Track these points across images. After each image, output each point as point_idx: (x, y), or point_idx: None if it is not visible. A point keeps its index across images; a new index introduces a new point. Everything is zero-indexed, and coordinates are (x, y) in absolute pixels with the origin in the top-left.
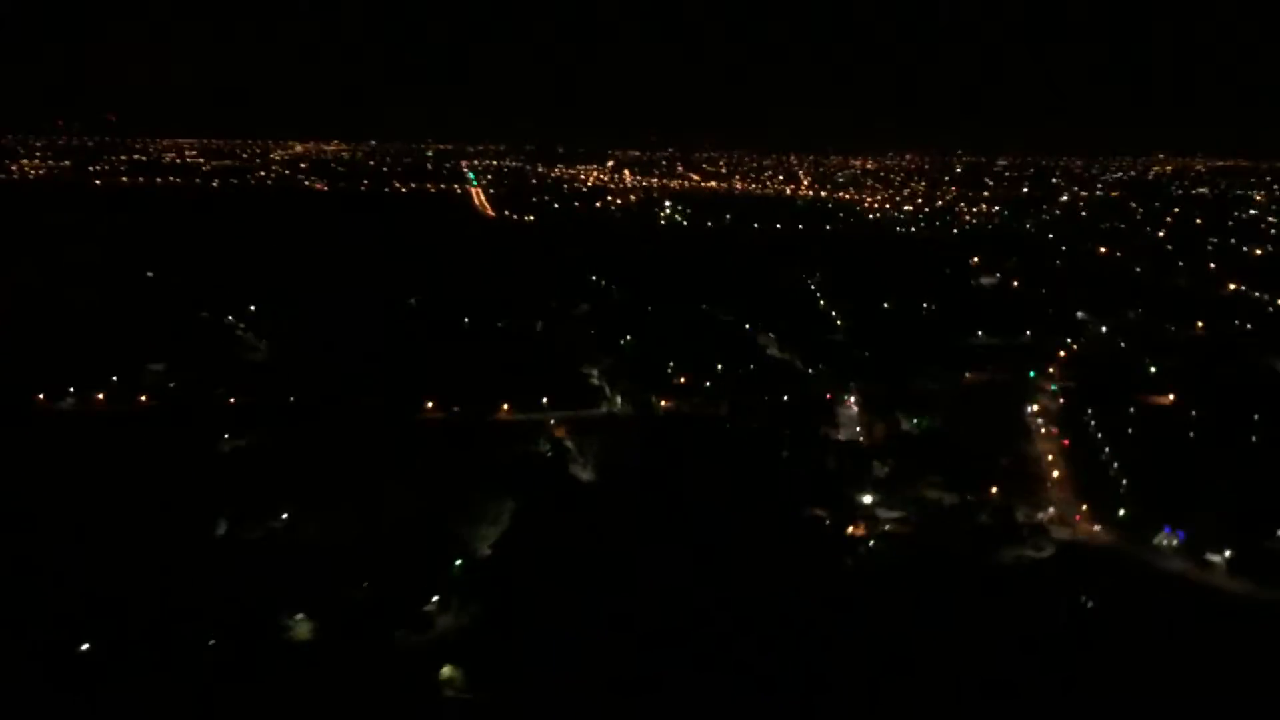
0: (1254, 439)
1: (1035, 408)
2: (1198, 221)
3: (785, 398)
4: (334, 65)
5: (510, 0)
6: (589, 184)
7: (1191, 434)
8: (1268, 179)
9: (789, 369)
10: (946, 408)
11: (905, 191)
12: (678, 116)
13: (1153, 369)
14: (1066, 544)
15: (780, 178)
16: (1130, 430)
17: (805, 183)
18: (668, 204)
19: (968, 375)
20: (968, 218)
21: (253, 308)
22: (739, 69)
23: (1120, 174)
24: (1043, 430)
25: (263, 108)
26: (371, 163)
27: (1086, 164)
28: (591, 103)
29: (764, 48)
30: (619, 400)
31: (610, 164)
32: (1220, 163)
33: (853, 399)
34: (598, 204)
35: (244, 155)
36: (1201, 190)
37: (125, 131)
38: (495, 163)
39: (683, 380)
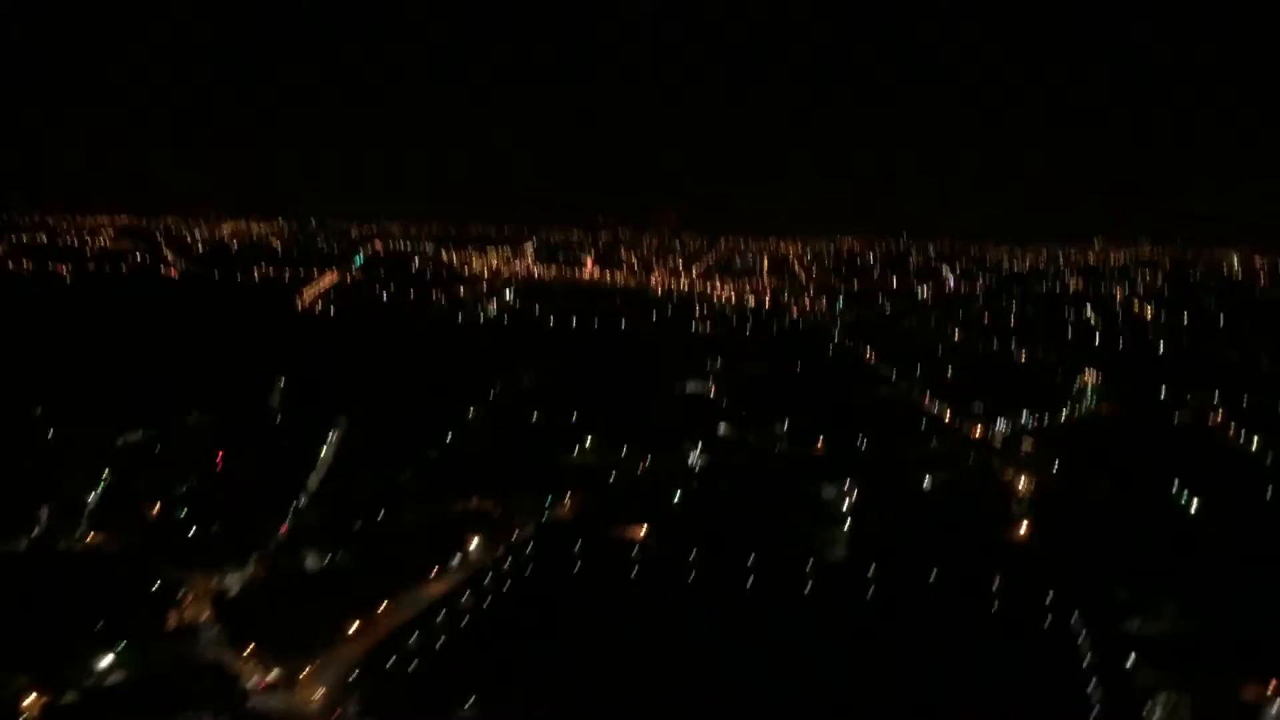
0: None
1: None
2: None
3: None
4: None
5: (451, 57)
6: (468, 272)
7: None
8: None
9: None
10: None
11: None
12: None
13: None
14: None
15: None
16: None
17: (691, 270)
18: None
19: None
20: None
21: None
22: (710, 142)
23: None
24: None
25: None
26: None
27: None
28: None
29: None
30: None
31: (529, 248)
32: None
33: None
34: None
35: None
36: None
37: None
38: (404, 243)
39: None
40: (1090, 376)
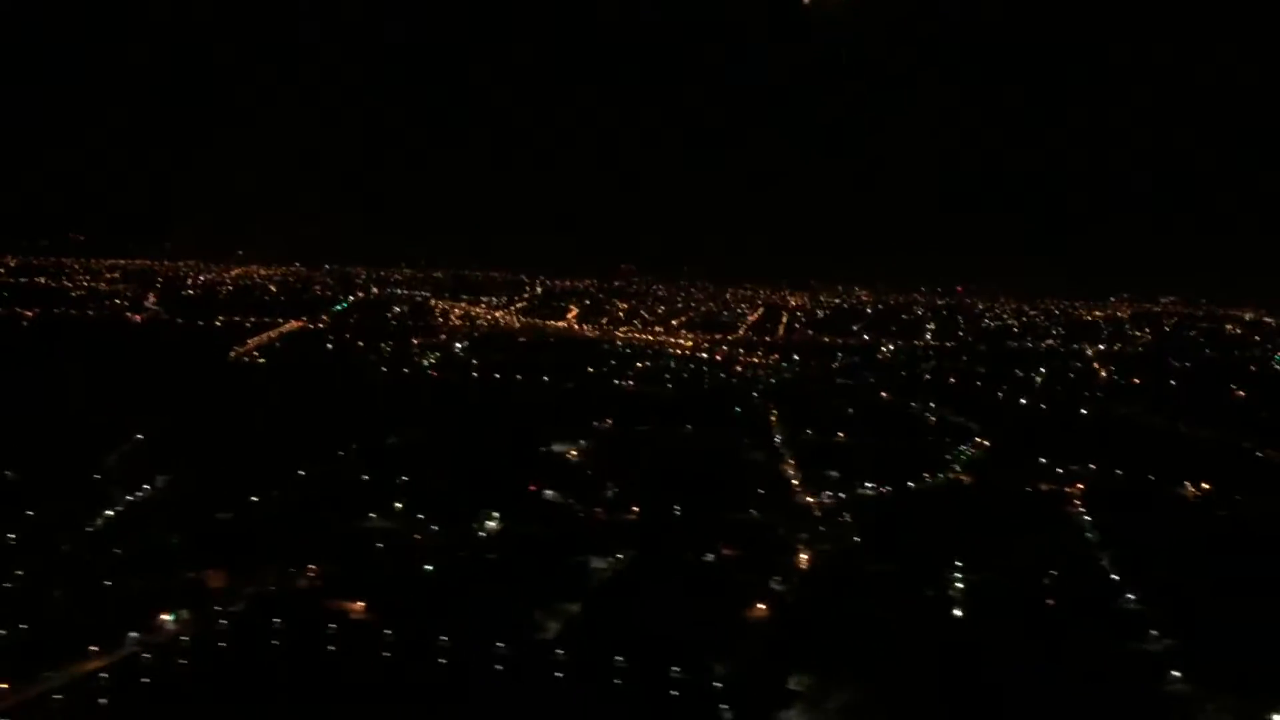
0: None
1: None
2: None
3: None
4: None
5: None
6: (441, 321)
7: None
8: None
9: None
10: None
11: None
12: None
13: None
14: None
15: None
16: None
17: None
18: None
19: None
20: None
21: None
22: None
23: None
24: None
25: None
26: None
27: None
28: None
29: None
30: None
31: (524, 297)
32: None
33: None
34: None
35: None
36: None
37: None
38: (402, 291)
39: None
40: (984, 443)
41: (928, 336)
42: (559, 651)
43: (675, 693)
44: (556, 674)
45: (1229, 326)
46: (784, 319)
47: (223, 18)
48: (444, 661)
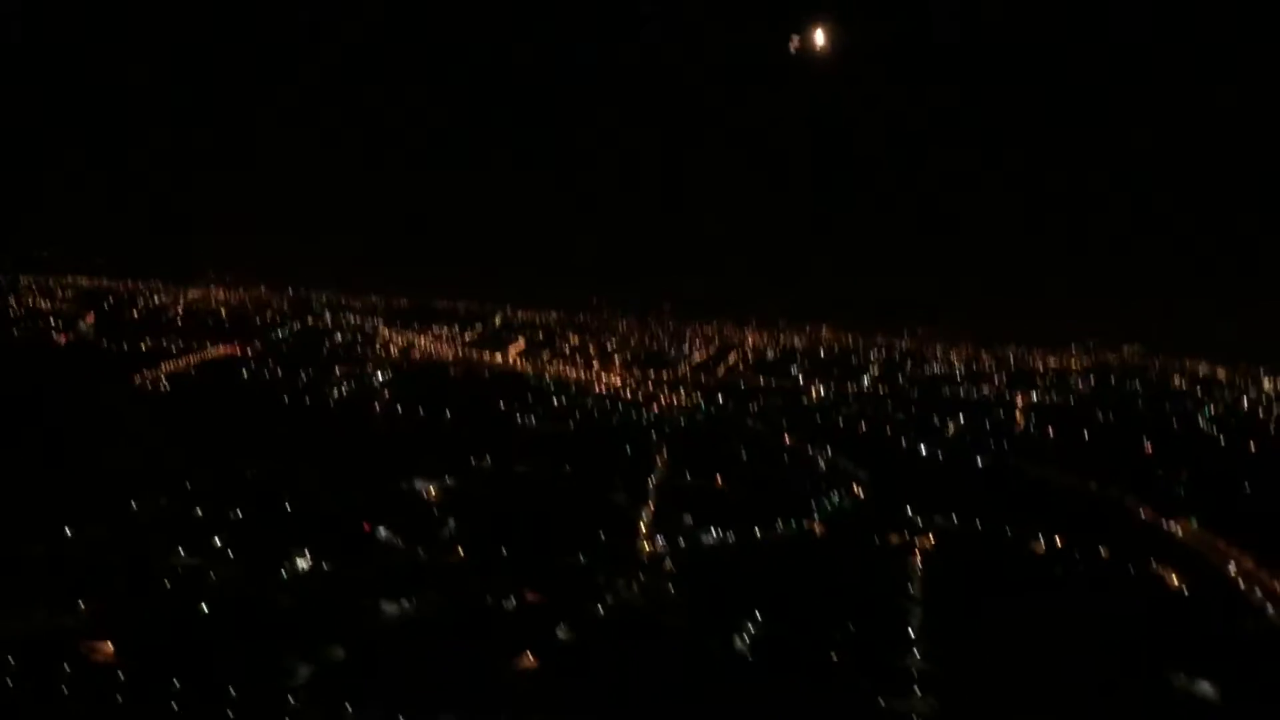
0: None
1: None
2: None
3: None
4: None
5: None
6: (378, 352)
7: None
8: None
9: None
10: None
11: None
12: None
13: None
14: None
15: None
16: None
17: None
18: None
19: None
20: None
21: None
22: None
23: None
24: None
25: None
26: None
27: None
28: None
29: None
30: None
31: (477, 328)
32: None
33: None
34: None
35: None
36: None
37: None
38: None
39: None
40: (859, 492)
41: (864, 380)
42: (291, 700)
43: None
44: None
45: (1176, 379)
46: (731, 358)
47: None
48: (174, 707)
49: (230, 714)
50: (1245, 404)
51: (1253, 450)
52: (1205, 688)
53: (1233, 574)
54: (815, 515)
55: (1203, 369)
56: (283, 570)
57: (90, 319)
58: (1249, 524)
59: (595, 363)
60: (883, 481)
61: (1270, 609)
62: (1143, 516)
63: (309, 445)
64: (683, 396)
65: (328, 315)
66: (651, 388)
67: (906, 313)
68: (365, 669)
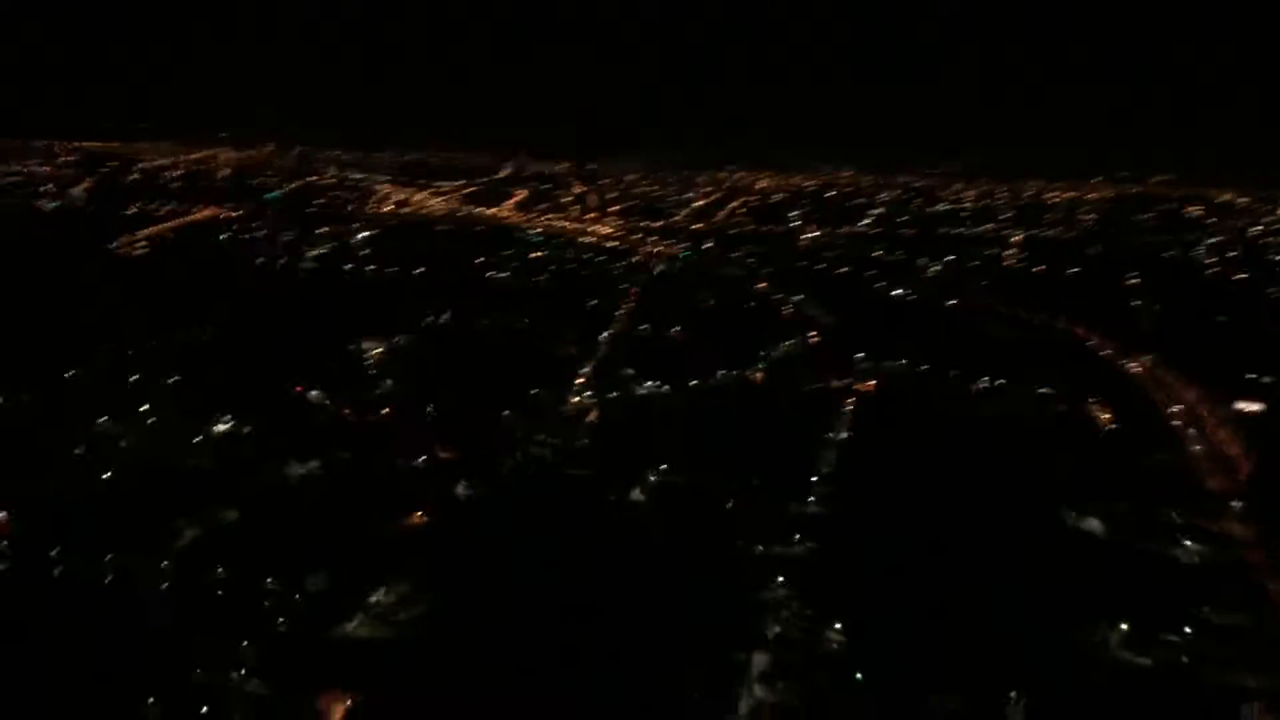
0: None
1: None
2: None
3: None
4: None
5: None
6: (370, 208)
7: None
8: None
9: None
10: None
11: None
12: None
13: None
14: None
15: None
16: None
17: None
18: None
19: None
20: None
21: None
22: None
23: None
24: None
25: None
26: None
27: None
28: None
29: None
30: None
31: (480, 182)
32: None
33: None
34: None
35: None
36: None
37: None
38: (355, 175)
39: None
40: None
41: (864, 223)
42: (166, 563)
43: (266, 603)
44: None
45: (1190, 208)
46: (733, 205)
47: None
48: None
49: (108, 580)
50: (1250, 235)
51: (1242, 282)
52: (1094, 524)
53: (1169, 411)
54: (758, 364)
55: (1225, 197)
56: (200, 435)
57: (87, 184)
58: (1210, 358)
59: (593, 213)
60: (844, 326)
61: (1192, 444)
62: (1102, 353)
63: (266, 309)
64: (668, 245)
65: (332, 172)
66: (640, 236)
67: (931, 147)
68: (251, 531)
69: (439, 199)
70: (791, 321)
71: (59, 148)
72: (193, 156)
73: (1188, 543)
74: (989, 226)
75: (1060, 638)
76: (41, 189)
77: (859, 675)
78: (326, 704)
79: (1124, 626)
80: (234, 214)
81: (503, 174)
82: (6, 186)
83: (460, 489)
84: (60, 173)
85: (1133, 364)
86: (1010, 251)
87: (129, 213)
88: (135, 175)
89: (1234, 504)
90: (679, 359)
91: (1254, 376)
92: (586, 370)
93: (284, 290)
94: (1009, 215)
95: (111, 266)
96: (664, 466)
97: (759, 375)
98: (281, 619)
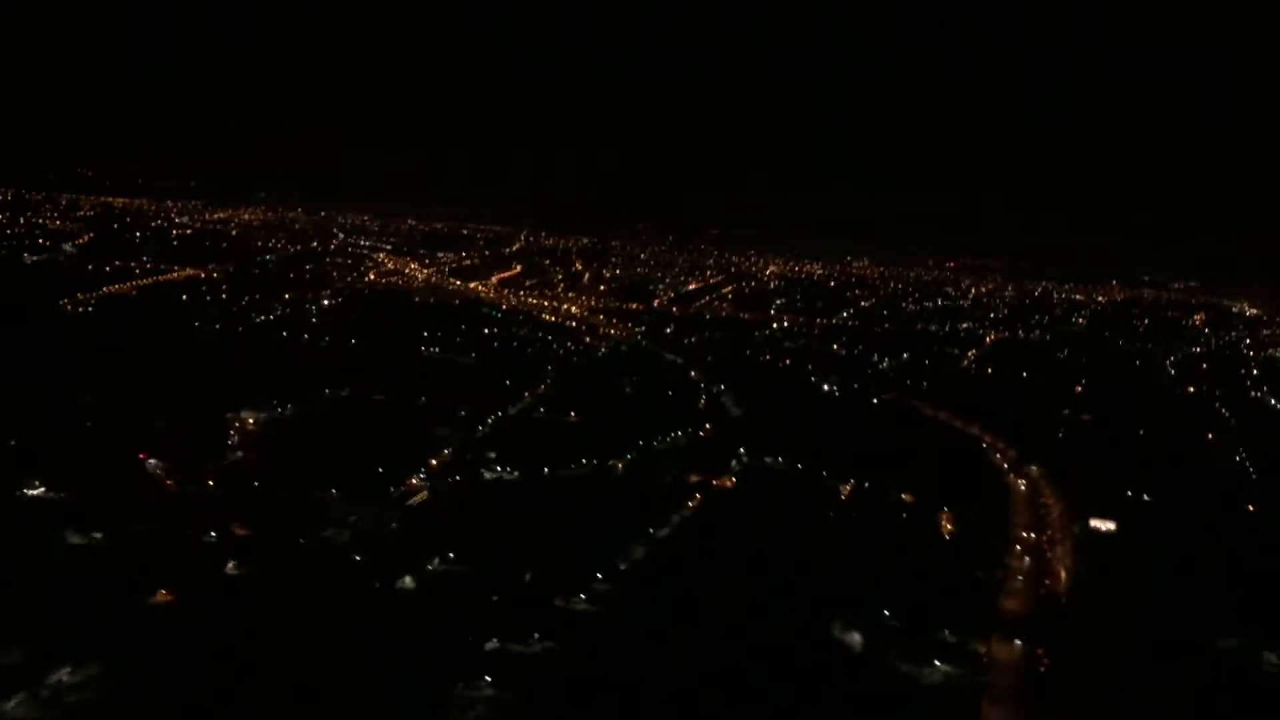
0: None
1: None
2: None
3: None
4: None
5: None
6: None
7: None
8: None
9: None
10: None
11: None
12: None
13: None
14: None
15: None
16: None
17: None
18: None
19: None
20: None
21: None
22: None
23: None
24: None
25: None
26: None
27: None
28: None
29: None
30: None
31: (475, 255)
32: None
33: None
34: None
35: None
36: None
37: None
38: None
39: None
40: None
41: (845, 315)
42: None
43: None
44: None
45: (1198, 317)
46: (724, 291)
47: None
48: None
49: None
50: (1238, 347)
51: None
52: (855, 638)
53: (1016, 525)
54: (629, 454)
55: (1239, 307)
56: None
57: (85, 239)
58: (1111, 473)
59: (574, 293)
60: (749, 419)
61: (1016, 561)
62: (994, 461)
63: (162, 372)
64: (628, 327)
65: (333, 240)
66: (604, 318)
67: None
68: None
69: (427, 270)
70: (701, 412)
71: (83, 201)
72: (213, 216)
73: (937, 663)
74: (965, 325)
75: None
76: (40, 241)
77: None
78: None
79: None
80: (214, 274)
81: (515, 247)
82: (3, 239)
83: (230, 567)
84: (65, 226)
85: (1019, 475)
86: (972, 352)
87: (107, 269)
88: (141, 232)
89: (1015, 625)
90: (554, 445)
91: (1138, 495)
92: (447, 452)
93: (192, 355)
94: (996, 315)
95: (46, 323)
96: (452, 555)
97: (620, 465)
98: None
